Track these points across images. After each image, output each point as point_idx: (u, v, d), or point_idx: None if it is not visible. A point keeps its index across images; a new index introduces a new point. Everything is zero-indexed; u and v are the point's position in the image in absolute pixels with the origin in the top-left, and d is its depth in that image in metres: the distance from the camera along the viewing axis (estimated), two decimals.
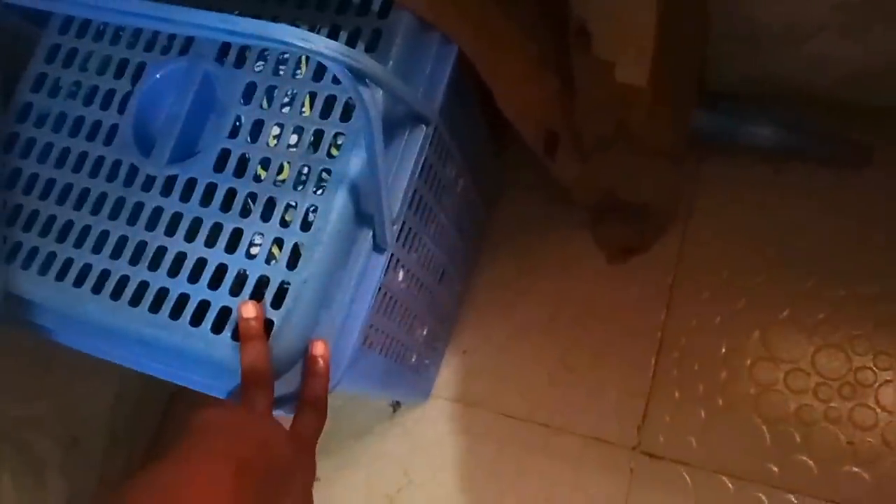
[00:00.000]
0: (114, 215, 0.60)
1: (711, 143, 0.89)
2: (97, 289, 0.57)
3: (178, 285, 0.56)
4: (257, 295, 0.54)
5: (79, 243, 0.60)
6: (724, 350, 0.83)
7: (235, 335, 0.53)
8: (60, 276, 0.59)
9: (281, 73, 0.61)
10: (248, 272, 0.55)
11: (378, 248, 0.57)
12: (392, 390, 0.80)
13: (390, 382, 0.76)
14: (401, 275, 0.67)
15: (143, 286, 0.56)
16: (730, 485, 0.77)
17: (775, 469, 0.77)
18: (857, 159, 0.86)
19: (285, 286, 0.53)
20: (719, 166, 0.89)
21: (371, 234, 0.56)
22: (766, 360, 0.81)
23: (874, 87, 0.84)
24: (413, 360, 0.79)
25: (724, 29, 0.79)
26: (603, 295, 0.89)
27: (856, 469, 0.76)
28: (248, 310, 0.52)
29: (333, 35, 0.60)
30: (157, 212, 0.59)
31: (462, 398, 0.89)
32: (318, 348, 0.52)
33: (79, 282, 0.58)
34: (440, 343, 0.88)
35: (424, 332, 0.80)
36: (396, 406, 0.91)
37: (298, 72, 0.60)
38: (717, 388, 0.81)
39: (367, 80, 0.47)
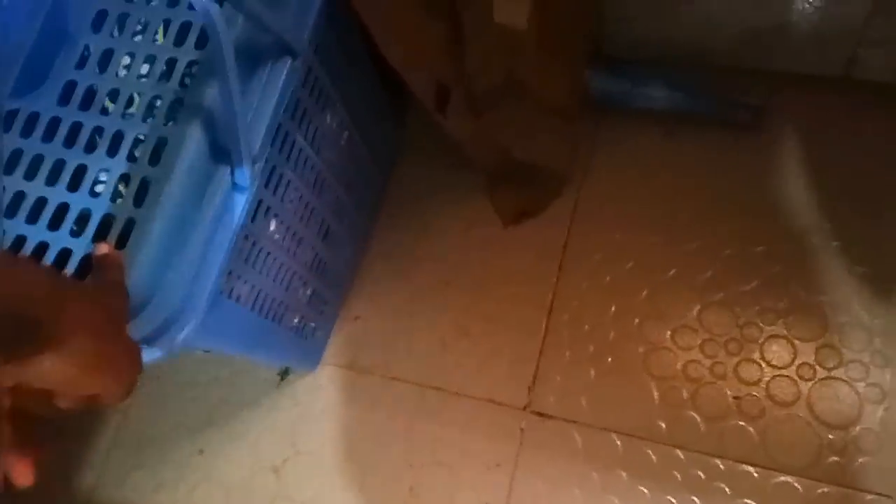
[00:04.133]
0: None
1: (607, 106, 0.88)
2: None
3: (15, 226, 0.51)
4: (102, 235, 0.49)
5: None
6: (613, 310, 0.82)
7: (78, 275, 0.48)
8: None
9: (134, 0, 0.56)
10: (91, 211, 0.50)
11: (238, 186, 0.53)
12: (272, 353, 0.76)
13: (268, 343, 0.72)
14: (273, 225, 0.63)
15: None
16: (618, 442, 0.77)
17: (663, 425, 0.77)
18: (747, 122, 0.87)
19: (133, 225, 0.49)
20: (614, 129, 0.88)
21: (229, 171, 0.52)
22: (654, 319, 0.81)
23: (766, 49, 0.84)
24: (295, 321, 0.76)
25: None
26: (499, 259, 0.87)
27: (741, 423, 0.76)
28: (103, 247, 0.46)
29: None
30: None
31: (353, 365, 0.86)
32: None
33: None
34: (329, 308, 0.85)
35: (308, 293, 0.77)
36: (284, 374, 0.87)
37: None
38: (607, 348, 0.80)
39: (221, 1, 0.44)
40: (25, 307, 0.31)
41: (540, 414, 0.79)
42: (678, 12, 0.83)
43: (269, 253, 0.63)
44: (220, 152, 0.52)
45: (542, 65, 0.72)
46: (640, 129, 0.88)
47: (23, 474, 0.35)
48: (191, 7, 0.54)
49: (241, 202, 0.53)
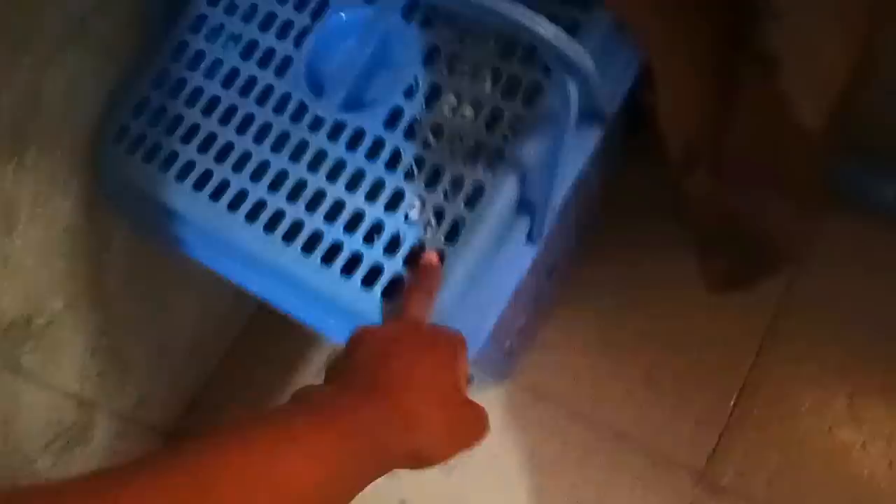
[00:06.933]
0: (277, 148, 0.60)
1: (841, 194, 0.88)
2: (251, 217, 0.58)
3: (333, 232, 0.56)
4: (412, 261, 0.54)
5: (238, 167, 0.61)
6: (808, 403, 0.82)
7: (385, 292, 0.53)
8: (215, 196, 0.60)
9: (467, 41, 0.60)
10: (404, 235, 0.55)
11: (531, 240, 0.57)
12: (478, 368, 0.81)
13: (482, 363, 0.76)
14: None
15: (298, 225, 0.57)
16: None
17: None
18: None
19: (442, 259, 0.54)
20: (845, 220, 0.88)
21: (528, 225, 0.56)
22: (849, 422, 0.81)
23: None
24: (507, 345, 0.80)
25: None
26: (698, 322, 0.88)
27: None
28: (433, 256, 0.53)
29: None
30: (321, 154, 0.59)
31: (537, 389, 0.90)
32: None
33: (233, 206, 0.59)
34: (531, 332, 0.89)
35: (523, 322, 0.81)
36: (469, 381, 0.91)
37: (485, 44, 0.60)
38: (794, 438, 0.81)
39: (572, 75, 0.47)
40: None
41: (715, 487, 0.81)
42: None
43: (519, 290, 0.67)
44: (525, 206, 0.56)
45: (809, 158, 0.72)
46: (873, 225, 0.87)
47: None
48: (523, 63, 0.57)
49: (530, 254, 0.57)
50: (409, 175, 0.57)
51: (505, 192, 0.54)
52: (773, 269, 0.90)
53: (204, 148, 0.62)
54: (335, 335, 0.55)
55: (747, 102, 0.69)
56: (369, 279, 0.54)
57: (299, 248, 0.56)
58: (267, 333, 1.00)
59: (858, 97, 0.77)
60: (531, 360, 0.91)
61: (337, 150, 0.59)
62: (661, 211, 0.91)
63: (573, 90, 0.47)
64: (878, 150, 0.87)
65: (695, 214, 0.85)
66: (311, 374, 0.97)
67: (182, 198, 0.61)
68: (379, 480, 0.39)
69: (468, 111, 0.58)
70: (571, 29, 0.56)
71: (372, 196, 0.57)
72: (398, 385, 0.42)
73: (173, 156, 0.63)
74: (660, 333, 0.89)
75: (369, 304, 0.53)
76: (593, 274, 0.93)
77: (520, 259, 0.57)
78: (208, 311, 0.92)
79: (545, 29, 0.43)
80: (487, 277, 0.55)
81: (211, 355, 0.96)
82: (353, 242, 0.56)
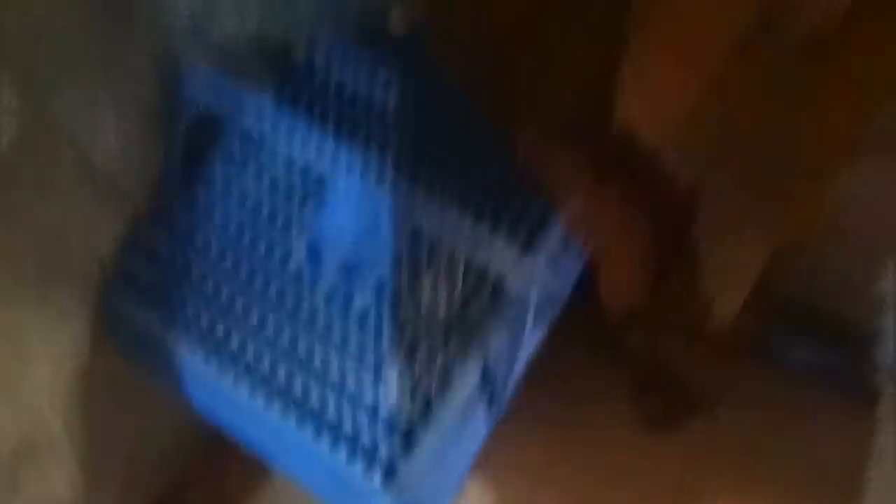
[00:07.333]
0: (277, 305, 0.68)
1: (761, 350, 0.99)
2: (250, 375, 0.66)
3: (320, 394, 0.64)
4: (388, 429, 0.63)
5: (240, 322, 0.68)
6: None
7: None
8: (217, 351, 0.67)
9: (446, 227, 0.70)
10: (380, 404, 0.63)
11: (490, 410, 0.66)
12: None
13: None
14: None
15: (301, 385, 0.65)
16: None
17: None
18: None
19: (411, 431, 0.62)
20: (765, 372, 0.98)
21: (489, 395, 0.65)
22: None
23: None
24: None
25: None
26: (621, 462, 0.97)
27: None
28: None
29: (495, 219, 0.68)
30: (314, 314, 0.67)
31: None
32: None
33: (249, 373, 0.66)
34: None
35: None
36: None
37: (460, 233, 0.69)
38: None
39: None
40: None
41: None
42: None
43: None
44: (487, 381, 0.65)
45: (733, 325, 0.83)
46: (787, 377, 0.98)
47: None
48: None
49: (489, 422, 0.66)
50: (391, 346, 0.66)
51: (471, 373, 0.63)
52: (697, 411, 1.00)
53: (209, 299, 0.70)
54: (317, 489, 0.63)
55: (678, 285, 0.80)
56: (350, 447, 0.62)
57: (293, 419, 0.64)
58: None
59: (775, 287, 0.89)
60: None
61: (327, 310, 0.67)
62: (599, 350, 1.01)
63: (531, 301, 0.57)
64: (792, 315, 0.99)
65: (629, 362, 0.96)
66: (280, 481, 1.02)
67: (185, 350, 0.68)
68: None
69: (444, 293, 0.67)
70: (530, 238, 0.66)
71: (357, 360, 0.65)
72: None
73: (180, 305, 0.70)
74: (591, 469, 0.98)
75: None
76: (525, 410, 1.02)
77: (480, 428, 0.66)
78: (181, 422, 0.97)
79: (502, 262, 0.53)
80: (451, 449, 0.64)
81: (182, 462, 1.00)
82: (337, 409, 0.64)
